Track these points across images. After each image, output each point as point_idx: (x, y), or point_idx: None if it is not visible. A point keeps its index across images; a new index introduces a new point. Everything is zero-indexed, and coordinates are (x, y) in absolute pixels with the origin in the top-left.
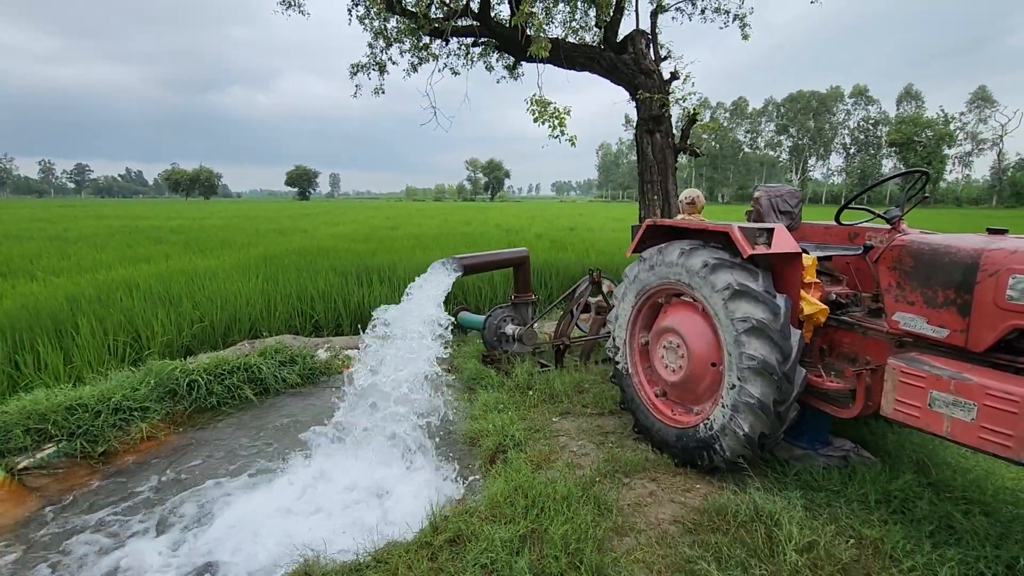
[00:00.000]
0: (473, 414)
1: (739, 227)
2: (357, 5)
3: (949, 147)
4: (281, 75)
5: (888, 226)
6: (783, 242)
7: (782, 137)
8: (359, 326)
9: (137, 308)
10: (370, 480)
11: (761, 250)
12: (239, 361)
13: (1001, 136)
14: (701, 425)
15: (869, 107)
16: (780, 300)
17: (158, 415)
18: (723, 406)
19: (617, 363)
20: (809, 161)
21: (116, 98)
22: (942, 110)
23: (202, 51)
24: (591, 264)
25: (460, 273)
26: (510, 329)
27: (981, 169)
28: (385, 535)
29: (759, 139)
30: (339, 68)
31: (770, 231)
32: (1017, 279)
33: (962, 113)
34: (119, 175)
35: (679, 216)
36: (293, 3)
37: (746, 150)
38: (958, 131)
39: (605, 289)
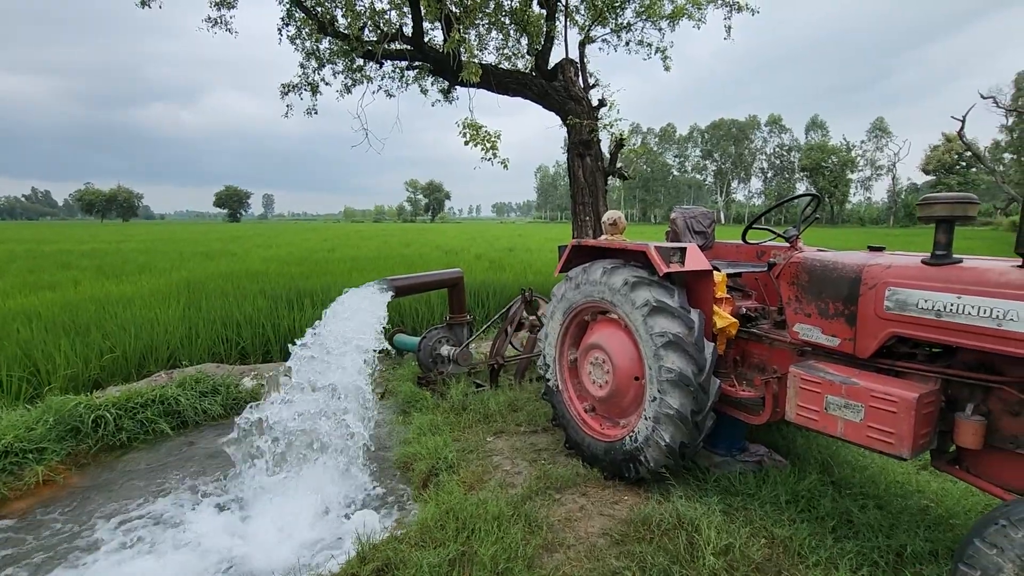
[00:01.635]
0: (407, 438)
1: (655, 247)
2: (288, 26)
3: (852, 172)
4: (207, 91)
5: (788, 244)
6: (695, 260)
7: (707, 161)
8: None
9: (36, 339)
10: (296, 511)
11: (675, 268)
12: (154, 393)
13: (894, 163)
14: (627, 438)
15: (783, 135)
16: (694, 315)
17: (57, 456)
18: (646, 418)
19: (548, 380)
20: (732, 184)
21: (22, 112)
22: (844, 139)
23: (119, 64)
24: (528, 284)
25: (392, 295)
26: (445, 350)
27: (879, 192)
28: (311, 568)
29: (687, 163)
30: (270, 85)
31: (683, 250)
32: (892, 291)
33: (862, 141)
34: (23, 195)
35: (602, 237)
36: (220, 21)
37: (675, 173)
38: (859, 158)
39: (540, 311)
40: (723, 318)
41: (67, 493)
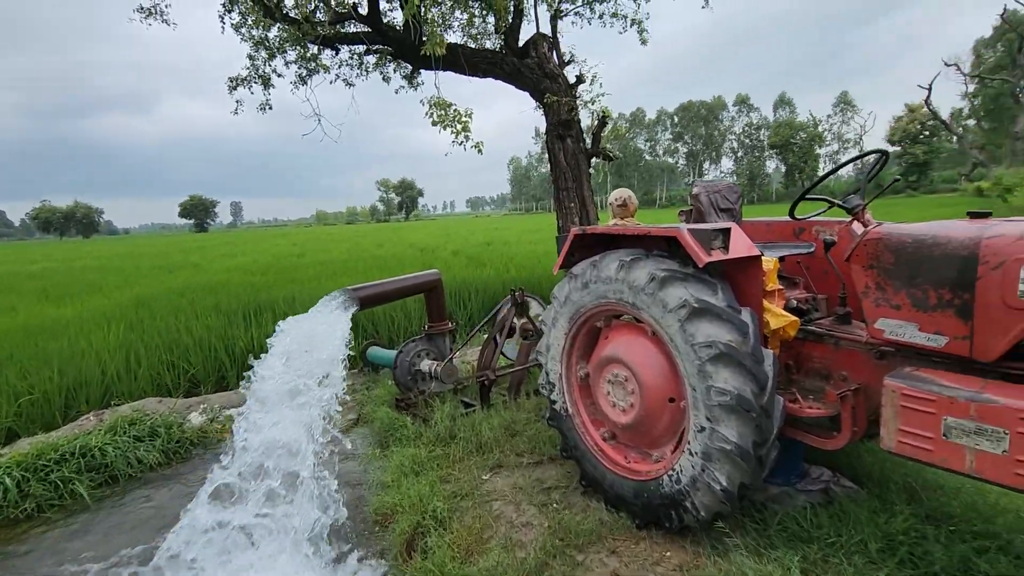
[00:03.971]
0: (385, 481)
1: (689, 229)
2: (230, 12)
3: (820, 147)
4: (162, 98)
5: (843, 219)
6: (742, 245)
7: (678, 144)
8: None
9: None
10: None
11: (718, 256)
12: (73, 445)
13: (861, 136)
14: (665, 478)
15: (751, 114)
16: (746, 316)
17: None
18: (691, 453)
19: (553, 402)
20: (704, 165)
21: None
22: (811, 114)
23: (65, 74)
24: (512, 280)
25: (356, 308)
26: (426, 365)
27: (848, 166)
28: None
29: (657, 147)
30: (224, 89)
31: (726, 232)
32: None
33: (828, 116)
34: None
35: (611, 221)
36: (154, 11)
37: (647, 157)
38: (826, 132)
39: (532, 312)
40: (778, 316)
41: None
